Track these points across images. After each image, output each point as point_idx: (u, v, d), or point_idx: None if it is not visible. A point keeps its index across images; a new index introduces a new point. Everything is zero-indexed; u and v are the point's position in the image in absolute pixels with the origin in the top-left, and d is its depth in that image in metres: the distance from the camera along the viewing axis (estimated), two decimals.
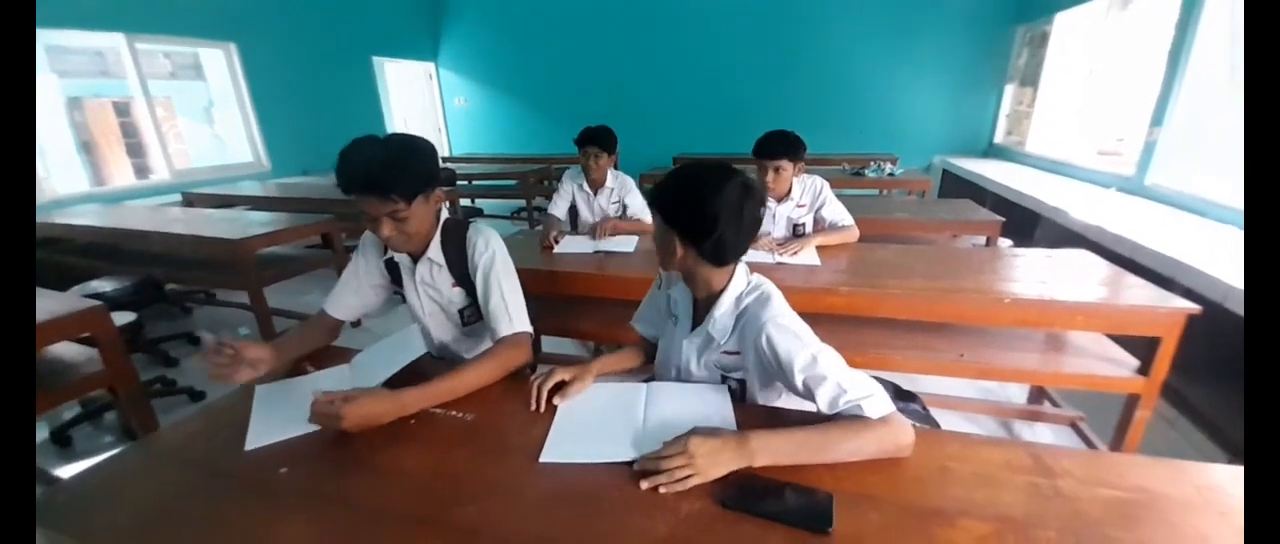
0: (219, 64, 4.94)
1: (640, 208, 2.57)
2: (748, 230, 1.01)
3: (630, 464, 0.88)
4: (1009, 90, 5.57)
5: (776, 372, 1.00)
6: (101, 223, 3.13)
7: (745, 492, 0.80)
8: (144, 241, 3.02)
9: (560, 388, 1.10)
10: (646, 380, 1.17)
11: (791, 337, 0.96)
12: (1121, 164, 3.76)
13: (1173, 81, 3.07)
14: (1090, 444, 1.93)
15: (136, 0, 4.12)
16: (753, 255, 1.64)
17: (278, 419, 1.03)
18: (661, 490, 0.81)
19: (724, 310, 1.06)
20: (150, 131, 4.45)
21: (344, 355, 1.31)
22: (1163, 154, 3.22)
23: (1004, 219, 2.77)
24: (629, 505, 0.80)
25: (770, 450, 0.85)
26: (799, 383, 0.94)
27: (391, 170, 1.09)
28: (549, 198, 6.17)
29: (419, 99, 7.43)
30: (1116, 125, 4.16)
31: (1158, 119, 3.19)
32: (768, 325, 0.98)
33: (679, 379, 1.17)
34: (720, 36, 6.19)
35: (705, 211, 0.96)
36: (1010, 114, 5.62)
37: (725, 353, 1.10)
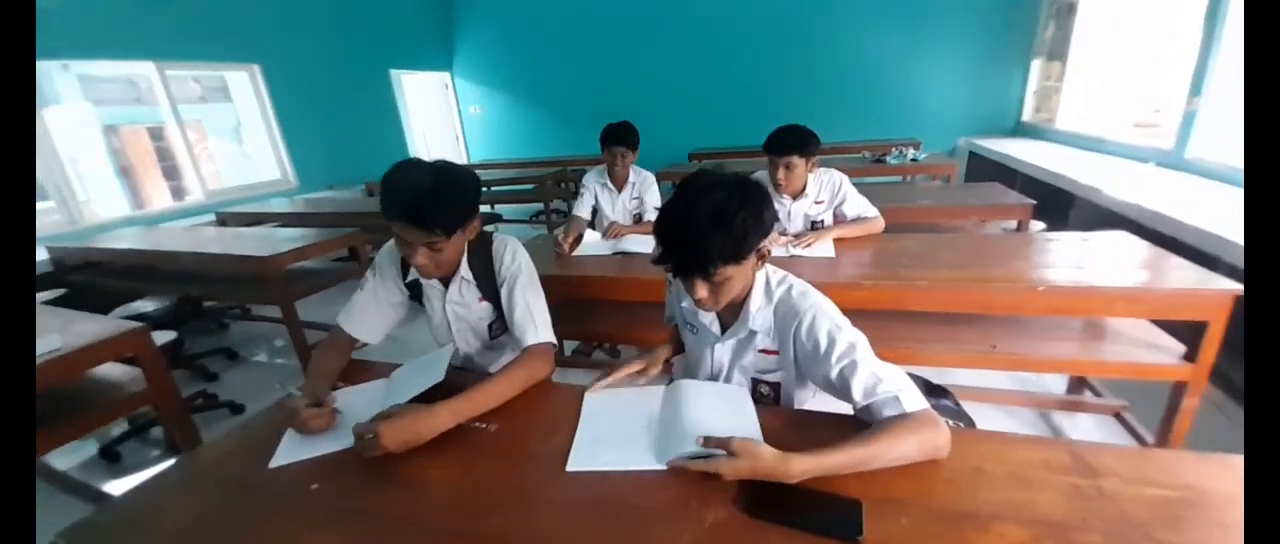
0: (244, 86, 5.09)
1: (656, 204, 2.51)
2: None
3: (658, 470, 0.88)
4: (1036, 65, 5.37)
5: (811, 361, 0.98)
6: (141, 245, 3.26)
7: (771, 500, 0.79)
8: (182, 262, 3.14)
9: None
10: (667, 382, 1.16)
11: (832, 324, 0.97)
12: (1159, 137, 3.60)
13: (1211, 46, 2.92)
14: (1135, 434, 1.85)
15: (164, 29, 4.26)
16: None
17: (308, 437, 1.05)
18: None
19: (759, 304, 1.05)
20: (183, 154, 4.61)
21: (366, 370, 1.34)
22: (1203, 124, 3.06)
23: (1035, 202, 2.67)
24: (654, 514, 0.80)
25: (813, 471, 0.81)
26: (834, 372, 0.93)
27: (437, 205, 1.09)
28: (567, 199, 6.17)
29: (437, 109, 7.55)
30: (1153, 96, 3.98)
31: (1196, 88, 3.03)
32: (808, 313, 0.99)
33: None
34: (731, 29, 6.12)
35: (766, 216, 0.94)
36: (1038, 90, 5.43)
37: (762, 352, 1.09)
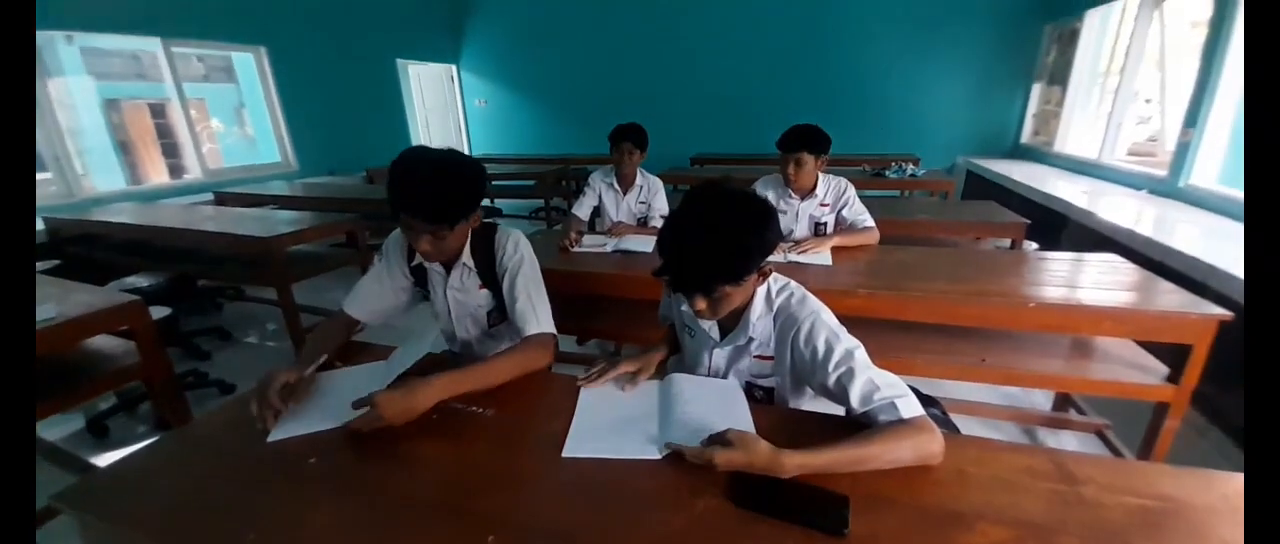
0: (249, 67, 5.08)
1: (664, 212, 2.56)
2: None
3: (652, 459, 0.90)
4: (1036, 89, 5.44)
5: (808, 368, 1.00)
6: (138, 221, 3.25)
7: (760, 492, 0.80)
8: (178, 239, 3.12)
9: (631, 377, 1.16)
10: (663, 375, 1.18)
11: (830, 332, 0.98)
12: (1155, 165, 3.66)
13: (1207, 81, 2.98)
14: (1117, 453, 1.89)
15: (172, 5, 4.25)
16: None
17: (305, 413, 1.06)
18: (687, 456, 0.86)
19: (759, 313, 1.07)
20: (184, 132, 4.60)
21: (366, 351, 1.35)
22: (1198, 155, 3.12)
23: (1029, 221, 2.71)
24: (646, 500, 0.82)
25: (806, 468, 0.83)
26: (831, 379, 0.94)
27: (442, 197, 1.11)
28: (567, 197, 6.16)
29: (441, 100, 7.55)
30: (1149, 125, 4.04)
31: (1191, 120, 3.09)
32: (807, 320, 1.00)
33: None
34: (739, 36, 6.17)
35: (769, 236, 0.94)
36: (1037, 113, 5.50)
37: (757, 357, 1.10)
